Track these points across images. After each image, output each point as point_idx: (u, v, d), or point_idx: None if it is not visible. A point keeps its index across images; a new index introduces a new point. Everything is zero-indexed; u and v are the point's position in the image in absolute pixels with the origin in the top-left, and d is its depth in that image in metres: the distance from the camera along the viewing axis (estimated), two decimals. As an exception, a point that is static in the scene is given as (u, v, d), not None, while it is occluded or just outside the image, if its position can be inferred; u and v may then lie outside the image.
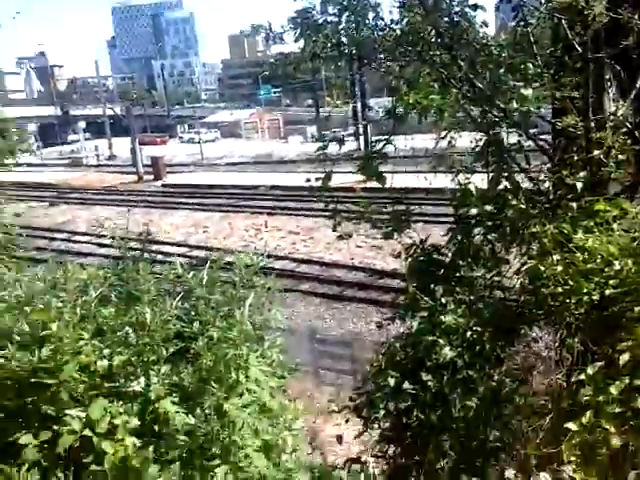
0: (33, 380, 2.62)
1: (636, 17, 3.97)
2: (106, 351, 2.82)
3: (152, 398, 2.60)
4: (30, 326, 2.80)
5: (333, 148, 5.10)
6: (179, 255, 19.99)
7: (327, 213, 5.19)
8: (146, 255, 4.37)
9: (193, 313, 2.76)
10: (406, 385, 3.86)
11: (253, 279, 3.02)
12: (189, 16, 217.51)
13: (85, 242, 24.01)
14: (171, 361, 2.72)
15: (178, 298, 2.92)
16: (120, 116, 62.35)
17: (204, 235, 24.87)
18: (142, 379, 2.69)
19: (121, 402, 2.61)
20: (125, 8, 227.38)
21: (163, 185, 40.88)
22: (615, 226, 3.45)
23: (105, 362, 2.76)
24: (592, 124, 4.27)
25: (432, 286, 4.22)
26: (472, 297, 4.15)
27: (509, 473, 2.93)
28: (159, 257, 16.65)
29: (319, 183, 5.09)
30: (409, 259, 4.73)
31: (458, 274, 4.27)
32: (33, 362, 2.63)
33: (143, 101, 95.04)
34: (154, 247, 19.96)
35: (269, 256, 19.98)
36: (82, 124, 75.63)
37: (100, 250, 19.82)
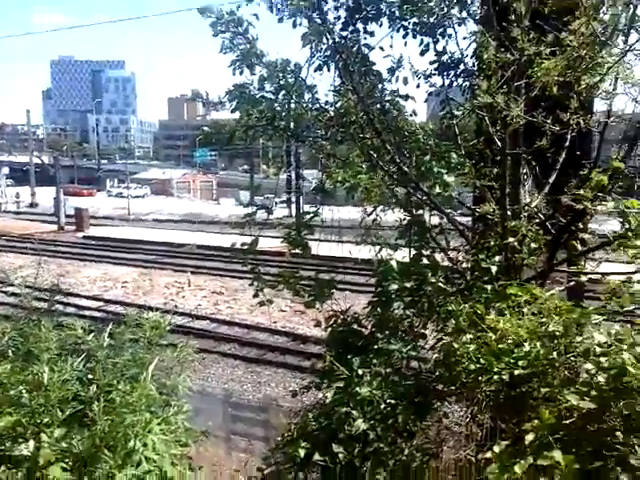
0: None
1: (549, 121, 4.33)
2: (-5, 410, 2.59)
3: (40, 463, 2.38)
4: None
5: (263, 214, 5.15)
6: (94, 309, 19.16)
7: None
8: (55, 308, 4.14)
9: (91, 376, 2.60)
10: (316, 457, 3.76)
11: (163, 340, 2.90)
12: (130, 75, 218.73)
13: (-9, 291, 22.50)
14: (66, 424, 2.53)
15: (80, 359, 2.75)
16: (47, 165, 60.60)
17: (122, 290, 23.94)
18: (31, 442, 2.47)
19: (3, 468, 2.37)
20: (65, 61, 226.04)
21: (84, 237, 39.55)
22: (525, 310, 3.61)
23: (-9, 422, 2.52)
24: (508, 213, 4.52)
25: (350, 356, 4.21)
26: (388, 369, 4.16)
27: None
28: (71, 310, 15.80)
29: (245, 247, 5.09)
30: (329, 328, 4.74)
31: (376, 346, 4.30)
32: None
33: (74, 153, 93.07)
34: (68, 299, 19.03)
35: (189, 315, 19.49)
36: (5, 169, 72.75)
37: (8, 299, 18.61)
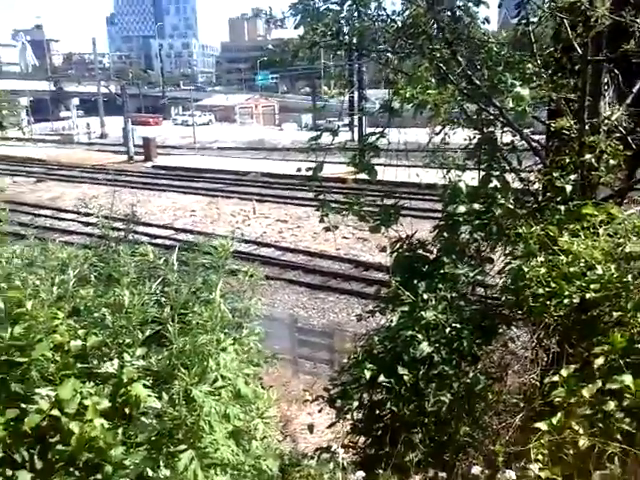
0: (3, 358, 2.56)
1: (638, 20, 3.95)
2: (81, 331, 2.77)
3: (124, 381, 2.56)
4: (5, 303, 2.75)
5: (327, 138, 5.06)
6: (165, 237, 19.97)
7: (317, 203, 5.15)
8: (130, 236, 4.32)
9: (170, 297, 2.72)
10: (382, 378, 3.86)
11: (232, 264, 2.98)
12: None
13: (70, 220, 23.77)
14: (146, 344, 2.68)
15: (158, 281, 2.87)
16: (114, 95, 61.71)
17: (190, 219, 24.71)
18: (116, 361, 2.64)
19: (92, 383, 2.57)
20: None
21: (153, 167, 40.56)
22: (601, 231, 3.46)
23: (79, 342, 2.71)
24: (586, 127, 4.26)
25: (415, 281, 4.21)
26: (454, 294, 4.14)
27: (476, 469, 2.93)
28: (144, 239, 16.52)
29: (310, 173, 5.05)
30: (394, 253, 4.72)
31: (442, 271, 4.26)
32: (5, 339, 2.57)
33: (139, 81, 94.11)
34: (140, 229, 19.86)
35: (255, 243, 19.94)
36: (75, 101, 74.73)
37: (85, 229, 19.65)
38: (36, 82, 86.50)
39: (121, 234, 4.19)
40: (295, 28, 4.93)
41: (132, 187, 31.17)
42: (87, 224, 19.39)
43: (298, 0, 4.71)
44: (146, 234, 19.10)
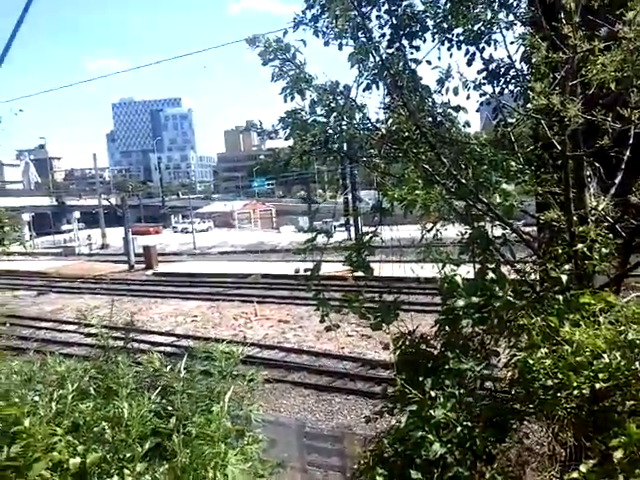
0: (-1, 480, 2.48)
1: (609, 119, 4.17)
2: (80, 447, 2.70)
3: (126, 500, 2.46)
4: (2, 421, 2.70)
5: (323, 239, 5.17)
6: (166, 345, 19.69)
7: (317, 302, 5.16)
8: (130, 345, 4.30)
9: (170, 408, 2.67)
10: (394, 484, 3.69)
11: (234, 370, 2.95)
12: (187, 112, 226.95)
13: (71, 331, 23.57)
14: (147, 458, 2.60)
15: (156, 392, 2.83)
16: (115, 206, 63.38)
17: (192, 324, 24.53)
18: (115, 478, 2.55)
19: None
20: (125, 104, 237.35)
21: (154, 274, 40.85)
22: (601, 319, 3.45)
23: (78, 460, 2.62)
24: (575, 218, 4.36)
25: (421, 379, 4.13)
26: (462, 390, 4.05)
27: None
28: (145, 347, 16.30)
29: (308, 272, 5.11)
30: (398, 350, 4.67)
31: (447, 366, 4.20)
32: (1, 460, 2.50)
33: (139, 192, 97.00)
34: (141, 337, 19.64)
35: (258, 345, 19.68)
36: (76, 214, 76.63)
37: (86, 339, 19.43)
38: (38, 198, 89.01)
39: (121, 344, 4.18)
40: (285, 139, 5.17)
41: (133, 295, 31.20)
42: (88, 335, 19.19)
43: (286, 114, 4.98)
44: (147, 342, 18.87)
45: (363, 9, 4.88)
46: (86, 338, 19.70)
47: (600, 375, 3.11)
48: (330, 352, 18.01)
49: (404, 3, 5.04)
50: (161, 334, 22.23)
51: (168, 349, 17.75)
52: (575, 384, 3.15)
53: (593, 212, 4.49)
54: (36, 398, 2.83)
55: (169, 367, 2.94)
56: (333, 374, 16.37)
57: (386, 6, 5.02)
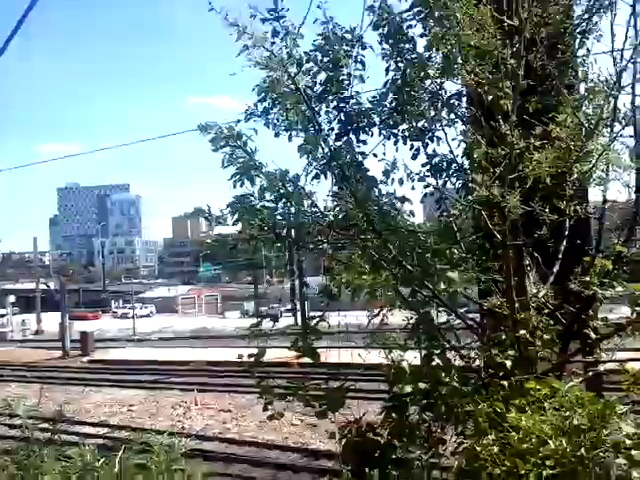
0: None
1: (547, 210, 4.41)
2: None
3: None
4: None
5: (269, 324, 5.09)
6: (99, 437, 18.41)
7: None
8: (58, 437, 3.99)
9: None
10: None
11: (173, 465, 2.76)
12: (135, 198, 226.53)
13: (-7, 424, 21.78)
14: None
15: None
16: (53, 291, 61.12)
17: (128, 414, 23.16)
18: None
19: None
20: (71, 189, 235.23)
21: (89, 361, 38.93)
22: (547, 405, 3.47)
23: None
24: (516, 305, 4.48)
25: (368, 469, 3.99)
26: (410, 481, 3.93)
27: None
28: (75, 439, 15.20)
29: (252, 359, 4.98)
30: (344, 439, 4.53)
31: (394, 456, 4.08)
32: None
33: (80, 277, 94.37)
34: (72, 428, 18.35)
35: (197, 437, 18.65)
36: (11, 298, 73.21)
37: (11, 431, 17.97)
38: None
39: (48, 435, 3.88)
40: (233, 224, 5.18)
41: (66, 384, 29.35)
42: (12, 427, 17.79)
43: (235, 199, 5.03)
44: (78, 433, 17.63)
45: (313, 104, 5.10)
46: (10, 430, 18.25)
47: (547, 462, 3.09)
48: (273, 442, 17.25)
49: (352, 101, 5.31)
50: (94, 425, 20.83)
51: (100, 441, 16.58)
52: (523, 471, 3.10)
53: (534, 299, 4.63)
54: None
55: (102, 461, 2.72)
56: (276, 466, 15.60)
57: (335, 103, 5.27)
